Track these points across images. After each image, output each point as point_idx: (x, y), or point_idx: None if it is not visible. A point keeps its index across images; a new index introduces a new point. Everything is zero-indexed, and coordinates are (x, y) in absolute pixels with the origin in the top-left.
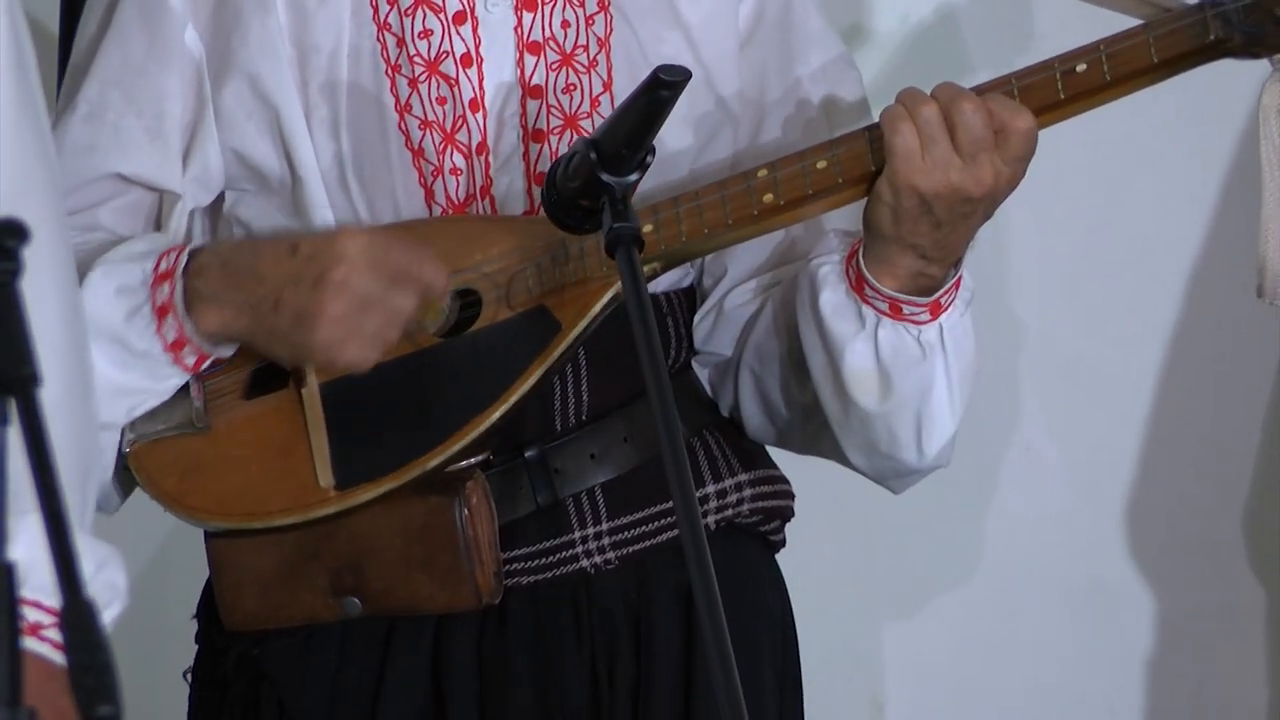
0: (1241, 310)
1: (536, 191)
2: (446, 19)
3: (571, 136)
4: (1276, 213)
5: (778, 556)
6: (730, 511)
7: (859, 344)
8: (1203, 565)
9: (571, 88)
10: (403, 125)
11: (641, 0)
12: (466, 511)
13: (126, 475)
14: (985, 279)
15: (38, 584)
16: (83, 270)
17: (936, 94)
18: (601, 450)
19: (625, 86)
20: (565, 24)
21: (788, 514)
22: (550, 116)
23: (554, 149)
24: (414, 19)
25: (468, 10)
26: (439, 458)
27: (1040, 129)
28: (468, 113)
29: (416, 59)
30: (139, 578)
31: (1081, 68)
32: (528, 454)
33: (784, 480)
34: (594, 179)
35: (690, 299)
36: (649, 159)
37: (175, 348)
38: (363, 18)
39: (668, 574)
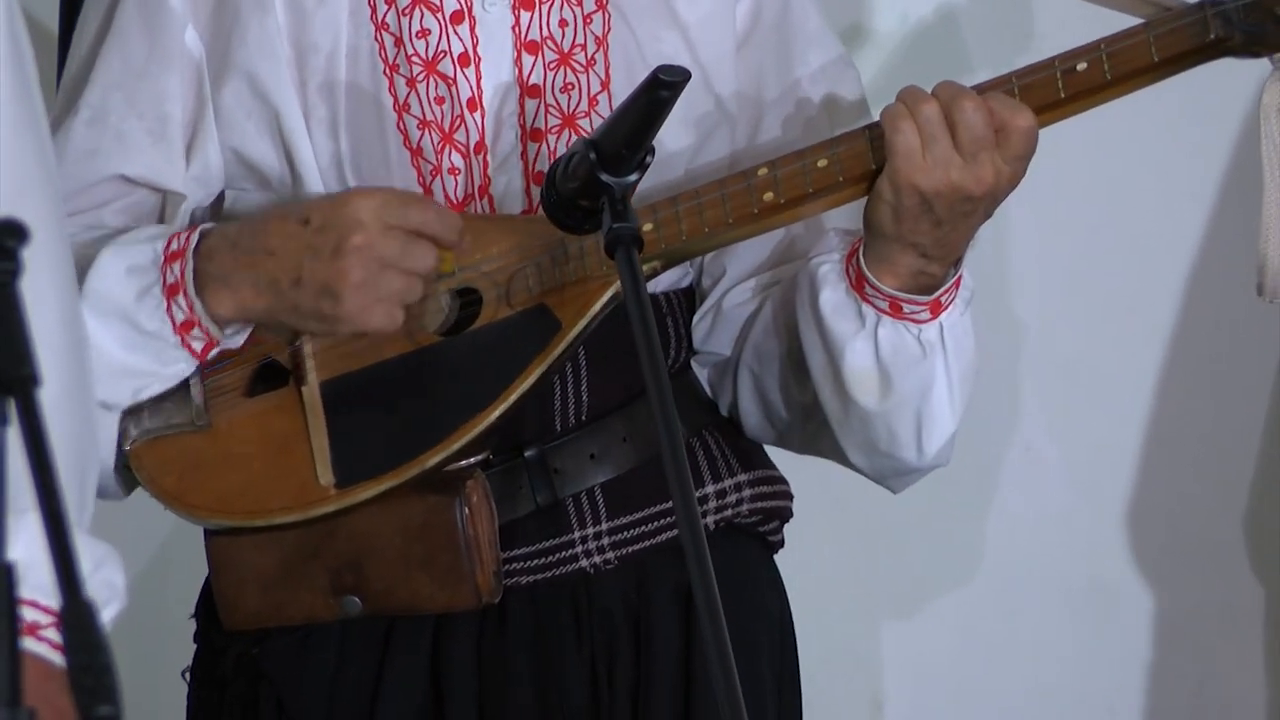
0: (1241, 310)
1: (535, 191)
2: (444, 18)
3: (570, 136)
4: (1277, 211)
5: (777, 556)
6: (729, 512)
7: (859, 343)
8: (1203, 565)
9: (569, 87)
10: (401, 125)
11: None
12: (467, 511)
13: (128, 471)
14: (985, 278)
15: (36, 583)
16: (92, 253)
17: (937, 92)
18: (601, 450)
19: (623, 86)
20: (563, 23)
21: (786, 514)
22: (548, 116)
23: (552, 148)
24: (411, 18)
25: (465, 10)
26: (439, 456)
27: (1041, 128)
28: (466, 112)
29: (414, 59)
30: (139, 578)
31: (1082, 66)
32: (527, 454)
33: (783, 481)
34: (593, 179)
35: (690, 299)
36: (648, 159)
37: (184, 329)
38: (361, 17)
39: (667, 574)
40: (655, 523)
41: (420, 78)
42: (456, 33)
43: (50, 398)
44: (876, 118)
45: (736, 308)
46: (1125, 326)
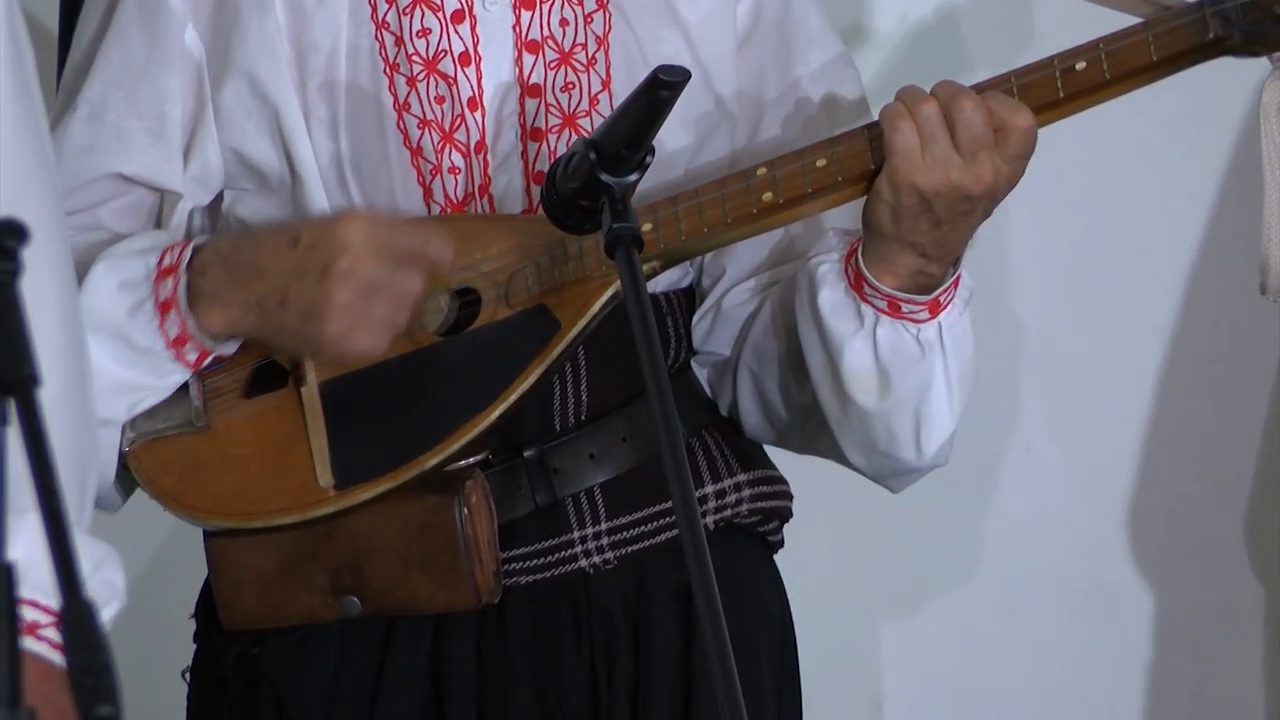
0: (1241, 310)
1: (535, 190)
2: (445, 18)
3: (570, 135)
4: (1278, 210)
5: (777, 556)
6: (729, 512)
7: (858, 342)
8: (1203, 565)
9: (570, 86)
10: (401, 124)
11: None
12: (466, 511)
13: (127, 474)
14: (985, 278)
15: (35, 583)
16: (85, 265)
17: (936, 92)
18: (600, 450)
19: (623, 85)
20: (564, 22)
21: (786, 514)
22: (549, 115)
23: (552, 148)
24: (412, 18)
25: (466, 9)
26: (438, 457)
27: (1040, 127)
28: (466, 111)
29: (415, 58)
30: (139, 578)
31: (1081, 66)
32: (527, 454)
33: (783, 481)
34: (593, 179)
35: (690, 299)
36: (648, 159)
37: (177, 344)
38: (361, 17)
39: (666, 574)
40: (655, 523)
41: (420, 77)
42: (457, 32)
43: (50, 398)
44: (876, 117)
45: (736, 308)
46: (1125, 326)
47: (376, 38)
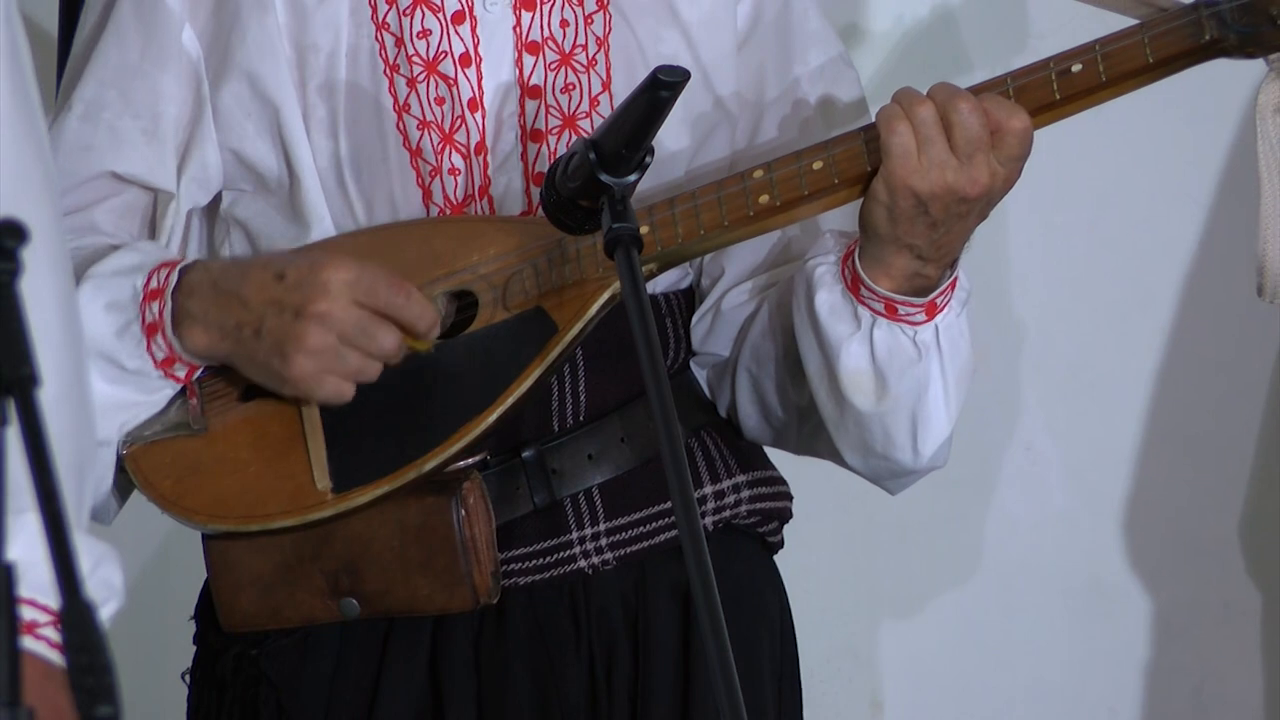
0: (1240, 311)
1: (535, 191)
2: (445, 19)
3: (570, 136)
4: (1275, 211)
5: (778, 556)
6: (728, 513)
7: (854, 345)
8: (1203, 565)
9: (570, 87)
10: (401, 125)
11: None
12: (464, 512)
13: (124, 477)
14: (985, 279)
15: (34, 582)
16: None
17: (933, 94)
18: (599, 451)
19: (624, 86)
20: (564, 23)
21: (786, 515)
22: (549, 116)
23: (552, 149)
24: (412, 19)
25: (466, 10)
26: (436, 460)
27: (1036, 129)
28: (466, 113)
29: (415, 59)
30: (139, 578)
31: (1077, 68)
32: (525, 454)
33: (782, 481)
34: (593, 179)
35: (689, 300)
36: (648, 159)
37: (165, 365)
38: (361, 17)
39: (665, 574)
40: (653, 523)
41: (421, 78)
42: (457, 33)
43: (48, 398)
44: (873, 118)
45: (735, 309)
46: (1125, 327)
47: (377, 38)
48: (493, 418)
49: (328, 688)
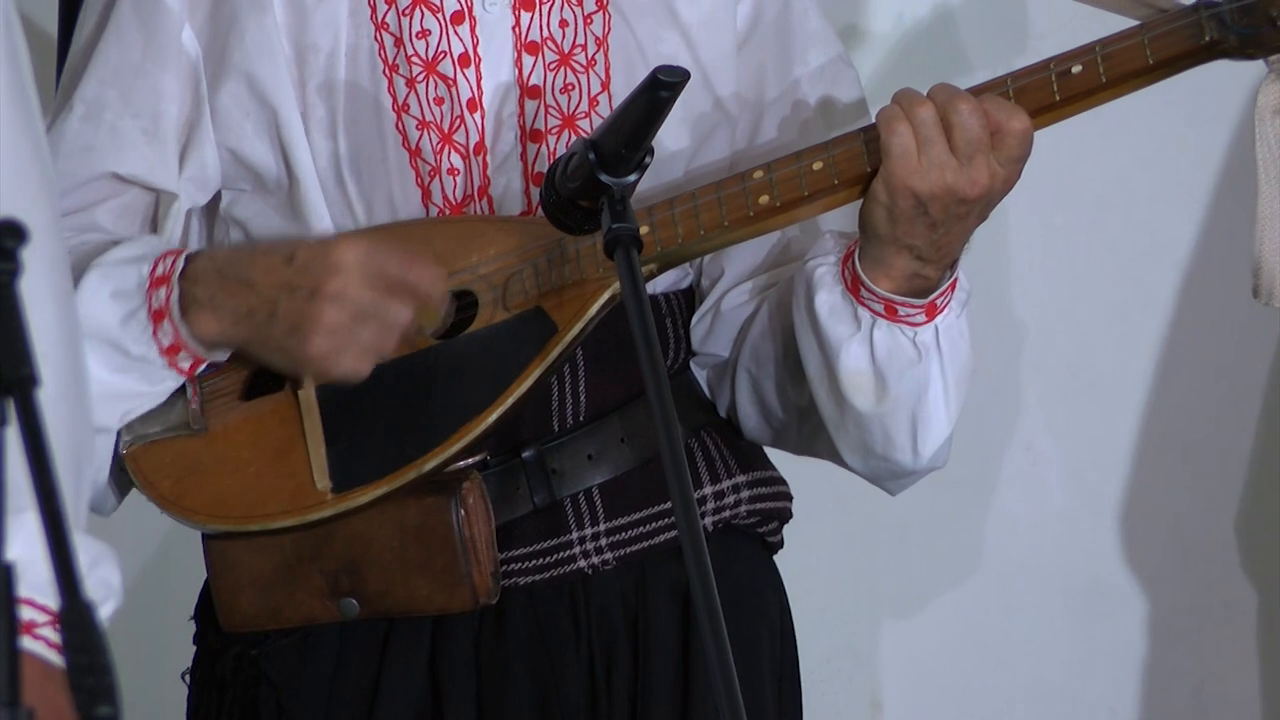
0: (1239, 312)
1: (534, 192)
2: (444, 19)
3: (570, 136)
4: (1272, 213)
5: (778, 556)
6: (728, 513)
7: (854, 345)
8: (1202, 565)
9: (570, 87)
10: (400, 125)
11: None
12: (463, 512)
13: (123, 476)
14: (985, 279)
15: (32, 582)
16: (77, 272)
17: (933, 94)
18: (599, 451)
19: (623, 86)
20: (563, 23)
21: (786, 515)
22: (548, 116)
23: (552, 149)
24: (412, 19)
25: (465, 10)
26: (435, 460)
27: (1036, 130)
28: (465, 113)
29: (414, 59)
30: (139, 578)
31: (1077, 69)
32: (525, 454)
33: (782, 482)
34: (593, 180)
35: (689, 300)
36: (647, 159)
37: (171, 352)
38: (360, 17)
39: (665, 574)
40: (653, 523)
41: (420, 78)
42: (457, 33)
43: (46, 398)
44: (873, 119)
45: (734, 309)
46: (1125, 327)
47: (376, 38)
48: (493, 418)
49: (328, 688)
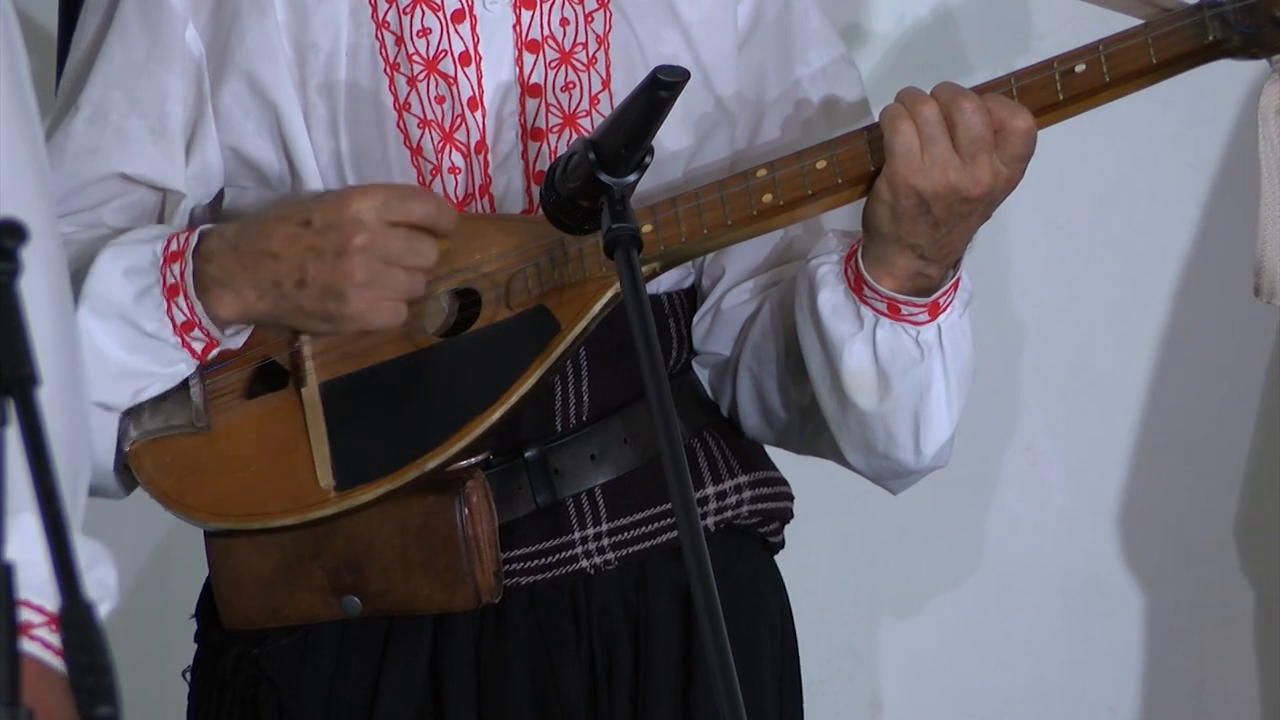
0: (1239, 312)
1: (535, 190)
2: (445, 17)
3: (570, 135)
4: (1274, 213)
5: (778, 556)
6: (730, 513)
7: (857, 344)
8: (1202, 565)
9: (570, 86)
10: (401, 124)
11: None
12: (466, 511)
13: (128, 472)
14: (985, 279)
15: (29, 583)
16: (91, 254)
17: (936, 93)
18: (601, 451)
19: (624, 85)
20: (564, 22)
21: (787, 515)
22: (549, 115)
23: (553, 147)
24: (412, 17)
25: (466, 8)
26: (438, 459)
27: (1039, 129)
28: (466, 111)
29: (415, 58)
30: (139, 578)
31: (1080, 68)
32: (527, 454)
33: (783, 482)
34: (593, 179)
35: (691, 300)
36: (648, 159)
37: (185, 329)
38: (361, 16)
39: (667, 575)
40: (655, 524)
41: (421, 77)
42: (457, 31)
43: (44, 398)
44: (875, 118)
45: (736, 308)
46: (1124, 327)
47: (377, 37)
48: (495, 416)
49: (328, 687)
